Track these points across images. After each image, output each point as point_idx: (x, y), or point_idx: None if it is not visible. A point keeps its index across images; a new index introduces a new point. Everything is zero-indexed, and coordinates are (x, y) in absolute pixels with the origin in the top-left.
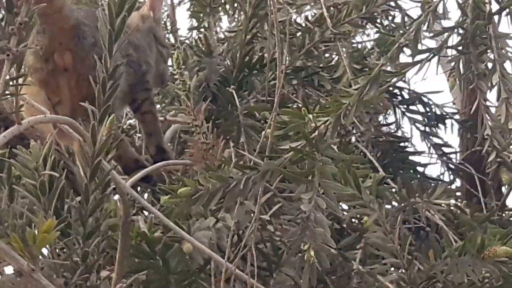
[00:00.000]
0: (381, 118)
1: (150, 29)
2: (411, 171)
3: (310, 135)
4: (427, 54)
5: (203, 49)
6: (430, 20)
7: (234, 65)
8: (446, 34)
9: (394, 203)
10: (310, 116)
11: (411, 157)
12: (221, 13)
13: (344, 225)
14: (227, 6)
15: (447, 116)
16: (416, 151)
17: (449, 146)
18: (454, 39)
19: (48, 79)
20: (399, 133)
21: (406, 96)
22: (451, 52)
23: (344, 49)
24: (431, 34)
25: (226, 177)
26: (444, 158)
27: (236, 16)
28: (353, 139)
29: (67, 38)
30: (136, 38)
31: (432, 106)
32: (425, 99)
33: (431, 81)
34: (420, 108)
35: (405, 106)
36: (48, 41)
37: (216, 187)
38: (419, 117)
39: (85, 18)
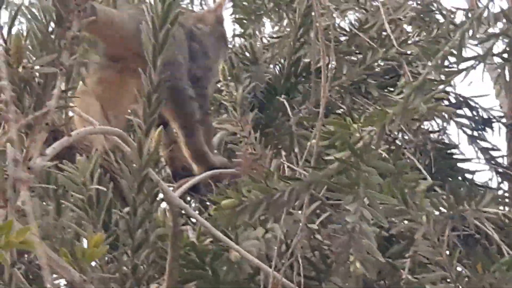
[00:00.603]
0: (427, 123)
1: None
2: (460, 178)
3: (355, 145)
4: (472, 61)
5: (249, 57)
6: (475, 27)
7: (282, 74)
8: (491, 41)
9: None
10: (355, 126)
11: (459, 164)
12: (265, 19)
13: (393, 233)
14: (271, 13)
15: (494, 120)
16: (464, 158)
17: (497, 149)
18: (499, 47)
19: (113, 79)
20: (446, 139)
21: (453, 100)
22: (496, 59)
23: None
24: (476, 42)
25: (269, 189)
26: (492, 162)
27: (280, 21)
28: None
29: (133, 44)
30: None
31: (479, 110)
32: (472, 103)
33: (477, 84)
34: (467, 112)
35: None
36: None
37: (260, 198)
38: (466, 121)
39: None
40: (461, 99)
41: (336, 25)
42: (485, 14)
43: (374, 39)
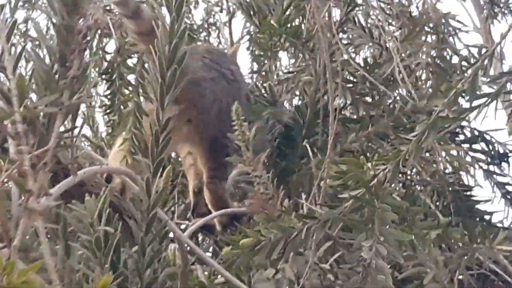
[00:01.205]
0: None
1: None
2: (478, 219)
3: (369, 183)
4: (485, 99)
5: (268, 97)
6: (487, 65)
7: (301, 116)
8: (504, 79)
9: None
10: (369, 164)
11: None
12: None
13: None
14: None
15: (510, 154)
16: (483, 199)
17: None
18: None
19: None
20: (465, 178)
21: (468, 135)
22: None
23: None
24: (489, 80)
25: (287, 227)
26: (508, 196)
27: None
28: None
29: (189, 94)
30: None
31: (495, 144)
32: (488, 137)
33: (492, 118)
34: (482, 145)
35: (467, 146)
36: None
37: (278, 237)
38: (481, 156)
39: (200, 69)
40: (476, 133)
41: (351, 62)
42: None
43: (390, 81)
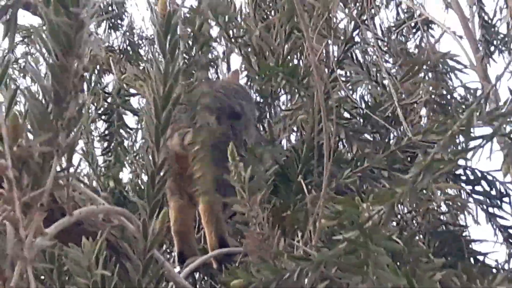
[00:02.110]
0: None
1: None
2: (472, 259)
3: (364, 225)
4: (481, 140)
5: (266, 137)
6: (483, 107)
7: (299, 157)
8: (499, 121)
9: None
10: (364, 205)
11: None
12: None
13: None
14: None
15: None
16: (476, 239)
17: None
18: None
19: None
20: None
21: (471, 176)
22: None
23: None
24: (484, 121)
25: (279, 269)
26: (510, 240)
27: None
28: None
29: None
30: None
31: (496, 184)
32: (489, 177)
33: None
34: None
35: (470, 187)
36: None
37: (270, 278)
38: (483, 198)
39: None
40: (478, 174)
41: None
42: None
43: (389, 118)
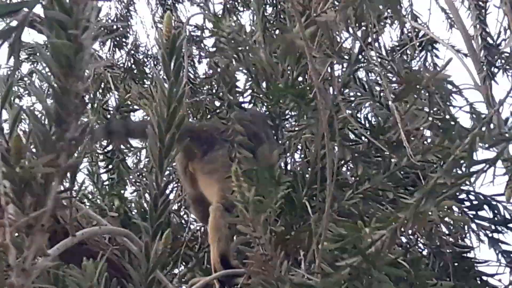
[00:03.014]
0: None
1: None
2: (477, 280)
3: (367, 251)
4: (483, 165)
5: None
6: (485, 132)
7: (304, 180)
8: (502, 145)
9: None
10: (367, 229)
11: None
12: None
13: None
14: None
15: None
16: (481, 260)
17: None
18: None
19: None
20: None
21: (474, 201)
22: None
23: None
24: (486, 146)
25: None
26: None
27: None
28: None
29: None
30: None
31: (500, 208)
32: (493, 202)
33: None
34: (486, 208)
35: (473, 212)
36: None
37: None
38: (486, 223)
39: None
40: (482, 198)
41: (353, 122)
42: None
43: (393, 142)
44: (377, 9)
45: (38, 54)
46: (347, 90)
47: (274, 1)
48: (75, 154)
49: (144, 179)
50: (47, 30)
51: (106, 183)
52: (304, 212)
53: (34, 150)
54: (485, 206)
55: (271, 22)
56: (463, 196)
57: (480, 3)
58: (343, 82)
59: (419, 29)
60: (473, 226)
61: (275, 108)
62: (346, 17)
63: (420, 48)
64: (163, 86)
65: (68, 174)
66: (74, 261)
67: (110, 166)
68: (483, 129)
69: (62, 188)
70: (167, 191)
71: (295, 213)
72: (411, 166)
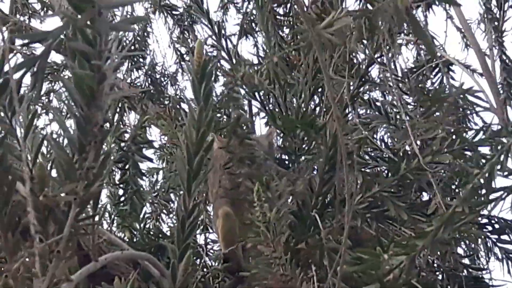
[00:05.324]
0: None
1: None
2: None
3: (385, 278)
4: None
5: None
6: (504, 160)
7: (313, 193)
8: None
9: None
10: (385, 256)
11: None
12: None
13: None
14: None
15: None
16: (497, 284)
17: None
18: None
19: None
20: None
21: (496, 225)
22: None
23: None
24: (505, 173)
25: None
26: None
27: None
28: None
29: None
30: None
31: None
32: None
33: None
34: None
35: (495, 237)
36: None
37: None
38: (509, 247)
39: None
40: (504, 223)
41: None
42: None
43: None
44: (391, 20)
45: (61, 83)
46: (362, 111)
47: (291, 22)
48: (97, 182)
49: (162, 200)
50: (69, 60)
51: (118, 215)
52: (313, 225)
53: (57, 177)
54: (507, 231)
55: (289, 43)
56: (485, 220)
57: (496, 23)
58: (352, 100)
59: (436, 50)
60: (496, 250)
61: (290, 144)
62: (360, 26)
63: (437, 69)
64: (193, 110)
65: (91, 202)
66: (94, 284)
67: (124, 197)
68: (502, 157)
69: (84, 215)
70: (195, 214)
71: (305, 224)
72: (422, 169)
